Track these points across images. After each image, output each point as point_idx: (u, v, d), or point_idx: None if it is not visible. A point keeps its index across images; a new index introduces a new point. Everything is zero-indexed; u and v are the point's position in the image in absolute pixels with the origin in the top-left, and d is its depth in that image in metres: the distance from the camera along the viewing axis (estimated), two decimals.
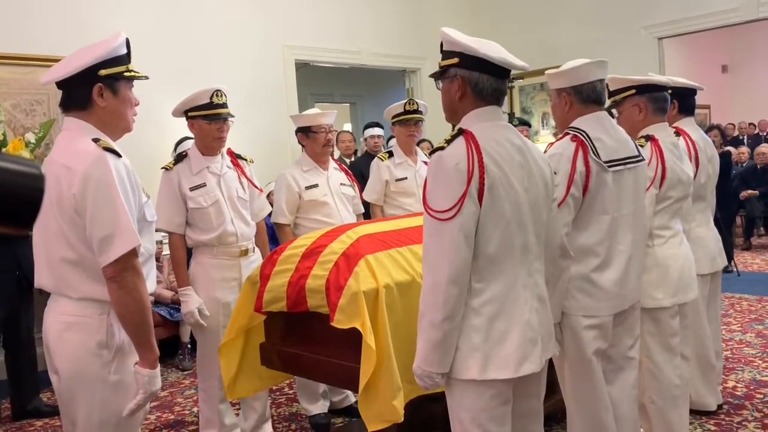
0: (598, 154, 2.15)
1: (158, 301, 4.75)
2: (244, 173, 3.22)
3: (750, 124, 11.49)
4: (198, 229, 3.07)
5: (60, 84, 1.93)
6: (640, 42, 6.86)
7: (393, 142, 4.39)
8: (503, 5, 7.90)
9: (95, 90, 1.90)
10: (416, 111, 3.99)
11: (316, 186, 3.52)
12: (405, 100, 4.05)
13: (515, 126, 2.03)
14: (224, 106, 3.07)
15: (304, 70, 7.15)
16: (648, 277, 2.54)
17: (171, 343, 4.87)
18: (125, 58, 1.97)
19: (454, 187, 1.71)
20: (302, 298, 2.50)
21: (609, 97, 2.67)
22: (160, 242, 4.39)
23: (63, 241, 1.86)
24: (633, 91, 2.67)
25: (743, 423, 3.20)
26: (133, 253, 1.84)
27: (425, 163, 4.03)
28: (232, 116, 3.14)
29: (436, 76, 1.93)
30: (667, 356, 2.66)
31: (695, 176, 3.10)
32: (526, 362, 1.78)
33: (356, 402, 2.45)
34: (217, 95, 3.04)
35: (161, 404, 4.02)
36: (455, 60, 1.83)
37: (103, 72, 1.89)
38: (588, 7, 7.27)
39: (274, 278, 2.61)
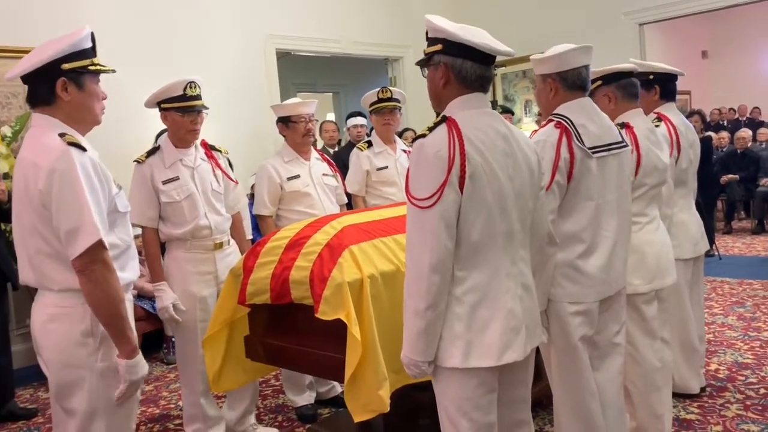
0: (582, 140, 2.14)
1: (141, 295, 4.70)
2: (218, 165, 3.16)
3: (730, 109, 11.60)
4: (171, 223, 3.02)
5: (24, 80, 1.92)
6: (620, 28, 6.86)
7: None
8: None
9: (59, 84, 1.90)
10: (390, 99, 3.90)
11: (297, 177, 3.47)
12: (378, 89, 3.95)
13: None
14: (198, 98, 3.00)
15: (286, 59, 7.08)
16: None
17: (155, 337, 4.83)
18: (90, 52, 1.96)
19: (434, 175, 1.70)
20: (286, 290, 2.48)
21: None
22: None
23: (37, 235, 1.87)
24: (600, 82, 2.66)
25: (726, 405, 3.24)
26: (100, 245, 1.83)
27: (405, 151, 4.00)
28: (207, 108, 3.07)
29: (422, 63, 1.91)
30: (647, 341, 2.68)
31: (677, 161, 3.12)
32: (509, 350, 1.78)
33: (342, 392, 2.43)
34: (190, 87, 2.96)
35: (146, 398, 3.98)
36: (439, 47, 1.82)
37: (65, 66, 1.89)
38: None
39: (257, 270, 2.58)
